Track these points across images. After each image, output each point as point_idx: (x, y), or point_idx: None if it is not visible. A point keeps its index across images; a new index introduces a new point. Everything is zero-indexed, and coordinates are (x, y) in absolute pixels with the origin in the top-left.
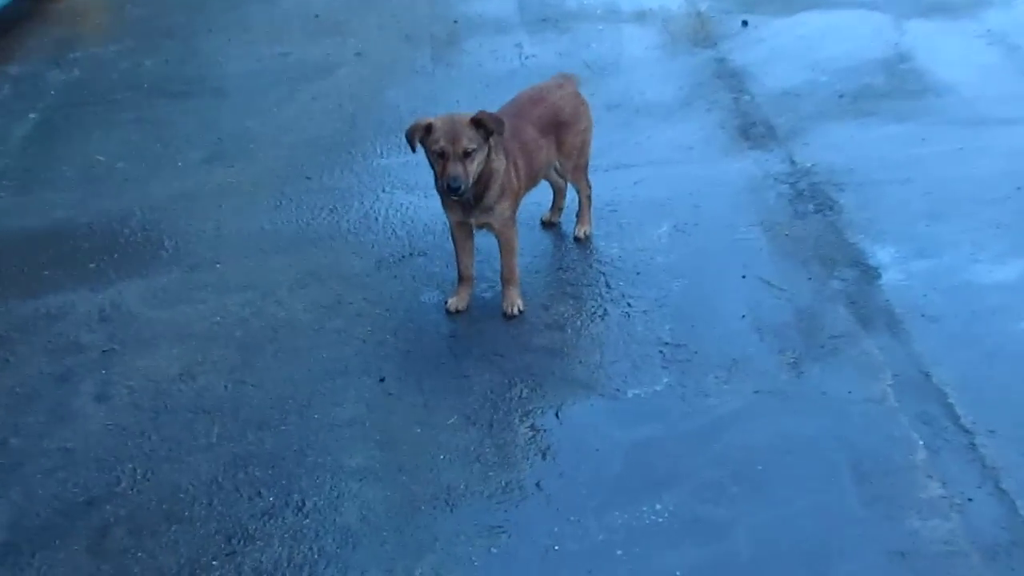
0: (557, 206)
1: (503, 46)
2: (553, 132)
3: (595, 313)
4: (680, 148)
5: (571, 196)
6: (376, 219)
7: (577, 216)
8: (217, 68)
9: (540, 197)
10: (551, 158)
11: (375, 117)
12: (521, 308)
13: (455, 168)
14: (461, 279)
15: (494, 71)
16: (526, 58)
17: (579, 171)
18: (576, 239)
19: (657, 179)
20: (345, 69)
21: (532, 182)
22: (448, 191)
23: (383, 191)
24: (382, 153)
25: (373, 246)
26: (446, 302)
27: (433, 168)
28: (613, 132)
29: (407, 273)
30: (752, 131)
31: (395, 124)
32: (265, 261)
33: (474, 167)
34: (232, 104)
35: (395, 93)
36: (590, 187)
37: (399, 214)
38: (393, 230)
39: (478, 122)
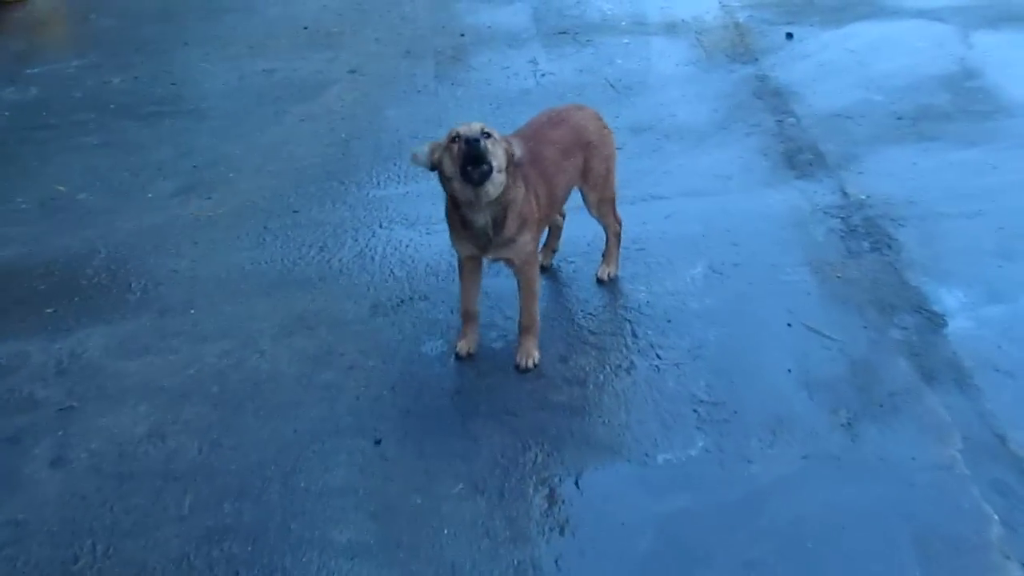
0: (550, 247)
1: (516, 62)
2: (577, 155)
3: (620, 366)
4: (716, 177)
5: (592, 232)
6: (372, 258)
7: (603, 255)
8: (193, 86)
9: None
10: (573, 183)
11: (371, 142)
12: (536, 361)
13: (471, 130)
14: (466, 317)
15: (505, 90)
16: (541, 76)
17: (607, 204)
18: (599, 281)
19: (690, 212)
20: (338, 88)
21: (553, 209)
22: (471, 159)
23: (380, 226)
24: (379, 183)
25: (368, 289)
26: (455, 346)
27: (447, 180)
28: (641, 159)
29: (407, 320)
30: (798, 158)
31: (393, 150)
32: (246, 306)
33: (494, 151)
34: (210, 127)
35: (394, 115)
36: (619, 223)
37: (398, 252)
38: (391, 271)
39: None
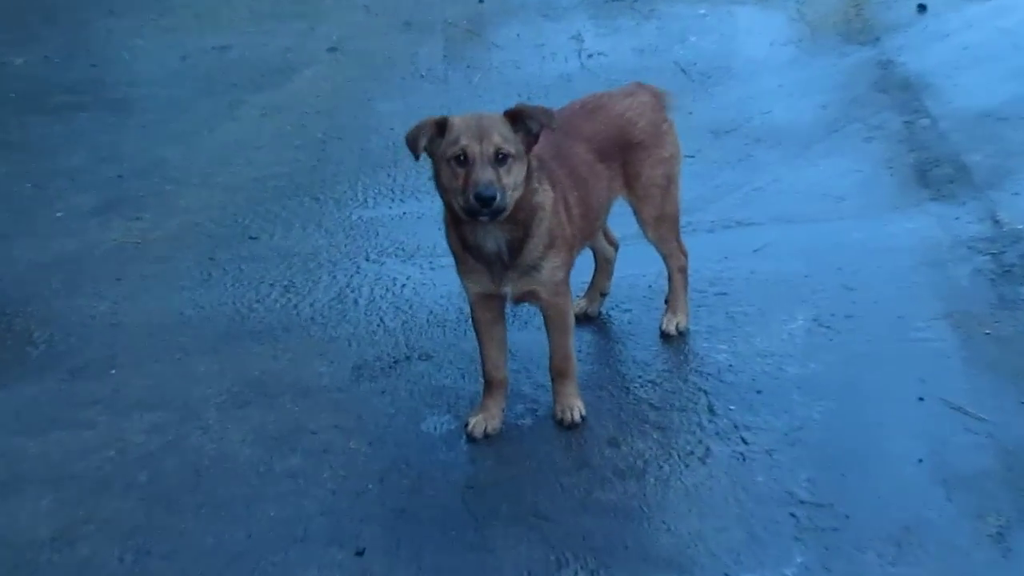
0: (598, 287)
1: (554, 38)
2: (618, 158)
3: (692, 453)
4: (825, 197)
5: (655, 269)
6: (355, 302)
7: (666, 301)
8: (120, 69)
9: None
10: (614, 194)
11: (356, 145)
12: (583, 412)
13: (485, 171)
14: (489, 385)
15: (539, 77)
16: (588, 57)
17: (665, 226)
18: (663, 335)
19: (789, 245)
20: (313, 71)
21: (590, 229)
22: (478, 205)
23: (367, 259)
24: (366, 200)
25: (350, 344)
26: (467, 424)
27: (444, 190)
28: (722, 171)
29: (401, 387)
30: (934, 173)
31: (386, 154)
32: (185, 365)
33: (511, 179)
34: (140, 123)
35: (388, 109)
36: (685, 255)
37: (391, 295)
38: (381, 319)
39: (517, 117)
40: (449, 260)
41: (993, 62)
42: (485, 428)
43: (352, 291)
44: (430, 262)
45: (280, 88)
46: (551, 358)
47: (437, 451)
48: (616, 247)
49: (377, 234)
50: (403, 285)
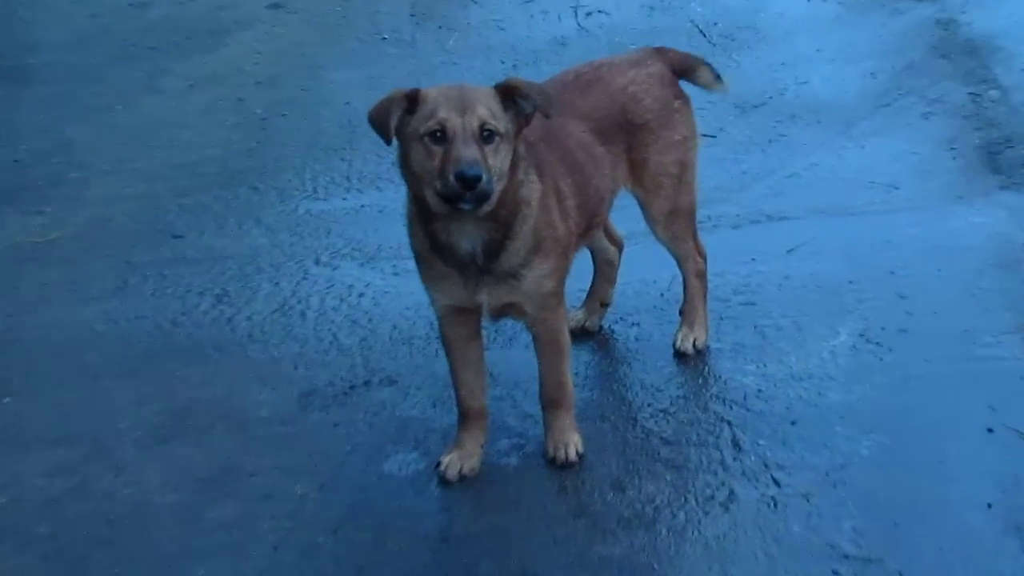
0: (598, 296)
1: None
2: (621, 141)
3: (712, 497)
4: (873, 186)
5: (668, 274)
6: (303, 315)
7: (681, 312)
8: (16, 32)
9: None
10: (617, 185)
11: (305, 122)
12: (579, 449)
13: (468, 148)
14: (465, 417)
15: (526, 39)
16: (586, 16)
17: (679, 223)
18: (678, 353)
19: (830, 244)
20: (250, 33)
21: (589, 225)
22: (460, 187)
23: (317, 262)
24: (316, 190)
25: (296, 366)
26: (438, 463)
27: (414, 176)
28: (749, 154)
29: (359, 419)
30: (1006, 155)
31: (340, 135)
32: (95, 391)
33: (498, 162)
34: (41, 97)
35: (343, 78)
36: (704, 257)
37: (346, 306)
38: (334, 336)
39: (508, 93)
40: None
41: None
42: (460, 468)
43: (299, 301)
44: (393, 266)
45: (211, 54)
46: (541, 385)
47: (403, 496)
48: (620, 247)
49: (329, 232)
50: (361, 294)
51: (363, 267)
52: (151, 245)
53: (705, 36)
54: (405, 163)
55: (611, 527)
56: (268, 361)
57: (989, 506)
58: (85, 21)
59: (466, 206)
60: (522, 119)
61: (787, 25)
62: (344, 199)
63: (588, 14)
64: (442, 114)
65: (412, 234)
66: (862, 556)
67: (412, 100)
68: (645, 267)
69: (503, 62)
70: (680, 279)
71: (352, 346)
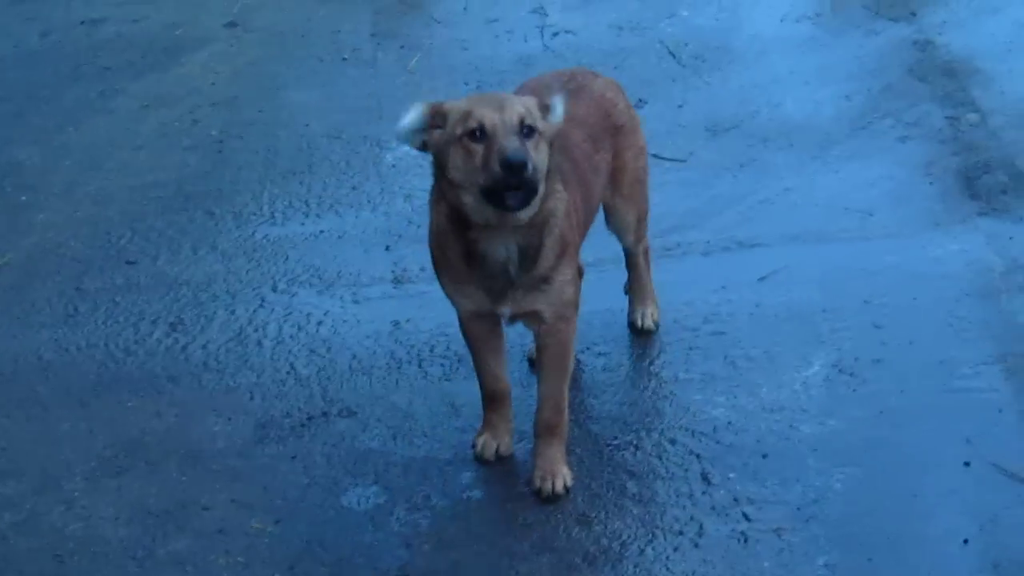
0: None
1: (510, 12)
2: (609, 148)
3: (681, 533)
4: (848, 211)
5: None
6: (259, 344)
7: (629, 290)
8: None
9: None
10: (603, 192)
11: (262, 145)
12: (568, 482)
13: (511, 140)
14: (492, 399)
15: (491, 59)
16: (553, 35)
17: (643, 224)
18: (636, 329)
19: (803, 272)
20: (208, 52)
21: (583, 236)
22: (506, 175)
23: (274, 289)
24: (274, 215)
25: (252, 397)
26: (473, 446)
27: (452, 184)
28: (720, 179)
29: (316, 451)
30: (984, 180)
31: (299, 157)
32: (44, 423)
33: (539, 158)
34: None
35: (302, 98)
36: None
37: (304, 335)
38: (291, 366)
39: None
40: (380, 290)
41: None
42: (496, 448)
43: (255, 329)
44: (353, 293)
45: (166, 73)
46: (540, 407)
47: (362, 531)
48: (581, 275)
49: (287, 258)
50: (319, 322)
51: (322, 294)
52: (103, 271)
53: (675, 57)
54: (441, 175)
55: (576, 563)
56: (223, 391)
57: (966, 542)
58: (35, 39)
59: (513, 200)
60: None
61: (760, 46)
62: (302, 224)
63: (554, 34)
64: (479, 112)
65: (438, 245)
66: None
67: (439, 114)
68: (612, 296)
69: (467, 83)
70: (626, 264)
71: (310, 376)
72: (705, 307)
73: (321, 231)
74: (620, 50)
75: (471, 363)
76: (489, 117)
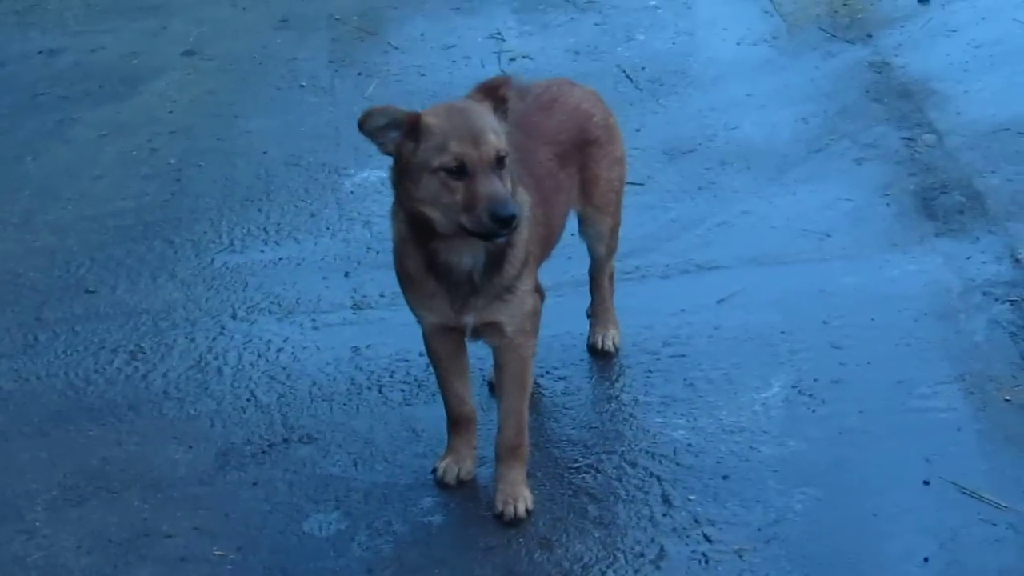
0: None
1: (467, 38)
2: (576, 162)
3: (641, 555)
4: (806, 233)
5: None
6: (219, 371)
7: (592, 313)
8: None
9: None
10: (570, 209)
11: (220, 172)
12: (529, 506)
13: (494, 184)
14: (456, 423)
15: (448, 85)
16: (510, 61)
17: (615, 236)
18: (596, 351)
19: (762, 294)
20: (166, 80)
21: (546, 255)
22: (497, 227)
23: (233, 316)
24: (232, 242)
25: (213, 424)
26: (435, 470)
27: (422, 203)
28: (679, 202)
29: (278, 477)
30: (941, 201)
31: (257, 185)
32: (4, 451)
33: (510, 185)
34: None
35: (260, 127)
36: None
37: (264, 362)
38: (252, 393)
39: (492, 92)
40: (337, 316)
41: (1013, 62)
42: (458, 472)
43: (215, 357)
44: (313, 320)
45: (123, 102)
46: (501, 427)
47: (324, 557)
48: (543, 297)
49: (246, 285)
50: (279, 349)
51: (281, 322)
52: (62, 301)
53: (632, 81)
54: (409, 189)
55: None
56: (184, 419)
57: (926, 560)
58: None
59: (500, 239)
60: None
61: (717, 70)
62: (261, 251)
63: (512, 59)
64: (456, 148)
65: (402, 255)
66: None
67: (414, 126)
68: (571, 320)
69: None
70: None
71: (270, 403)
72: (665, 330)
73: (280, 258)
74: (577, 75)
75: (432, 388)
76: (469, 155)
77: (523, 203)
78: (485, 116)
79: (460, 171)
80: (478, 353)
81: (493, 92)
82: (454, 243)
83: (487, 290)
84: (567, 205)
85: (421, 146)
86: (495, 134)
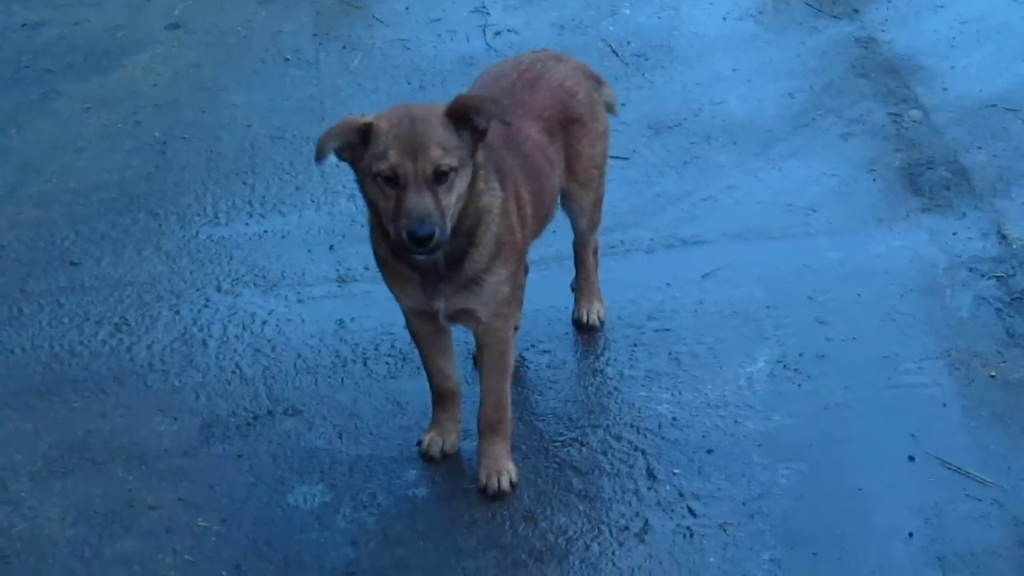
0: None
1: (452, 11)
2: (561, 136)
3: (626, 528)
4: (791, 208)
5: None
6: (204, 344)
7: (576, 288)
8: None
9: None
10: (559, 184)
11: (205, 146)
12: (514, 479)
13: (420, 200)
14: (440, 397)
15: (433, 59)
16: (496, 35)
17: (598, 210)
18: (581, 327)
19: (747, 269)
20: (148, 54)
21: (540, 232)
22: (412, 245)
23: (218, 289)
24: (217, 215)
25: (198, 396)
26: (419, 442)
27: (373, 205)
28: (663, 177)
29: (262, 450)
30: (927, 177)
31: (242, 158)
32: None
33: (453, 196)
34: None
35: (244, 101)
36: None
37: (249, 334)
38: (237, 365)
39: (460, 113)
40: (322, 289)
41: (1000, 38)
42: (442, 446)
43: (200, 330)
44: (298, 293)
45: (107, 75)
46: (481, 404)
47: (308, 530)
48: (527, 271)
49: (231, 258)
50: (264, 322)
51: (266, 294)
52: (46, 273)
53: (617, 55)
54: (362, 189)
55: (522, 559)
56: (168, 391)
57: (910, 535)
58: None
59: (419, 258)
60: (479, 134)
61: (702, 44)
62: (246, 224)
63: (497, 33)
64: (393, 159)
65: (375, 240)
66: None
67: (365, 133)
68: (556, 294)
69: (409, 82)
70: (573, 258)
71: (255, 375)
72: (649, 304)
73: (265, 231)
74: (563, 49)
75: (416, 361)
76: (403, 167)
77: (495, 196)
78: (435, 129)
79: (393, 179)
80: (462, 328)
81: (457, 111)
82: None
83: (455, 279)
84: (558, 179)
85: (368, 150)
86: (441, 148)
